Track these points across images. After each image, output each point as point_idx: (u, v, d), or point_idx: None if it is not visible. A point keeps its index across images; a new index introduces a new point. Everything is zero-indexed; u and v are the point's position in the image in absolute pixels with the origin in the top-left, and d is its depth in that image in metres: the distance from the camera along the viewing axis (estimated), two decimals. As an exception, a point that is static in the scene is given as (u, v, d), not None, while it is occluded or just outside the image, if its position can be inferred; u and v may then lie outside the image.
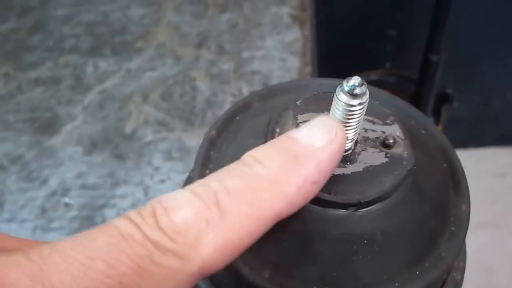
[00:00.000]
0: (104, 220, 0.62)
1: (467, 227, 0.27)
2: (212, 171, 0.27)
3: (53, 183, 0.64)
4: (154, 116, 0.68)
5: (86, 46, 0.75)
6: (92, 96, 0.70)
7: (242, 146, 0.27)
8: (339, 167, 0.25)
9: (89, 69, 0.73)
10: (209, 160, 0.27)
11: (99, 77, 0.72)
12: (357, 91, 0.23)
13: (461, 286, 0.29)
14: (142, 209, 0.21)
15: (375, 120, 0.27)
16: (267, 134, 0.26)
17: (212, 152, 0.27)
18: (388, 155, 0.26)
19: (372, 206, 0.25)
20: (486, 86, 1.40)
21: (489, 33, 1.27)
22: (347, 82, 0.23)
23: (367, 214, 0.24)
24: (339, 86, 0.23)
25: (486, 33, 1.27)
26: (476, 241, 1.44)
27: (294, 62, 0.71)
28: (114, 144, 0.66)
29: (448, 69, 1.15)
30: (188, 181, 0.30)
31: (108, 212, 0.62)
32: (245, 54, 0.72)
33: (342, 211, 0.24)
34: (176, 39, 0.74)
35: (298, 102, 0.27)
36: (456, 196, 0.28)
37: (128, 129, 0.67)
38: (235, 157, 0.26)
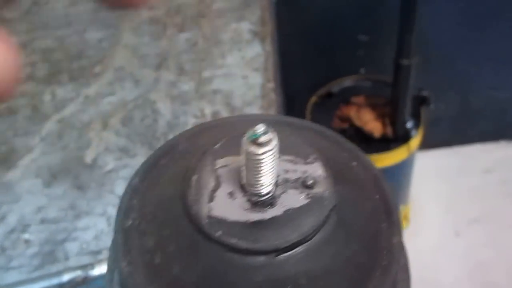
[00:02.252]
0: (66, 255, 0.61)
1: (399, 260, 0.27)
2: (134, 220, 0.27)
3: (11, 220, 0.64)
4: (115, 143, 0.68)
5: (42, 73, 0.75)
6: (50, 126, 0.70)
7: (162, 195, 0.27)
8: (258, 212, 0.25)
9: (46, 97, 0.73)
10: (131, 209, 0.27)
11: (57, 105, 0.71)
12: (262, 139, 0.23)
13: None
14: None
15: (296, 159, 0.27)
16: (184, 182, 0.26)
17: (134, 201, 0.28)
18: (309, 196, 0.26)
19: (293, 250, 0.25)
20: (463, 85, 1.42)
21: (461, 33, 1.29)
22: (251, 131, 0.23)
23: (288, 259, 0.25)
24: (244, 136, 0.23)
25: (459, 34, 1.29)
26: (468, 237, 1.46)
27: (256, 79, 0.71)
28: (75, 174, 0.66)
29: (423, 71, 1.16)
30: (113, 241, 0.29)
31: (70, 246, 0.62)
32: (206, 73, 0.72)
33: (262, 258, 0.24)
34: (135, 62, 0.74)
35: (216, 146, 0.27)
36: (388, 228, 0.28)
37: (88, 158, 0.67)
38: (156, 206, 0.27)
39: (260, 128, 0.23)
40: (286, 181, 0.26)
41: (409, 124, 1.20)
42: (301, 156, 0.27)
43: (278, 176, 0.26)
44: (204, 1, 0.80)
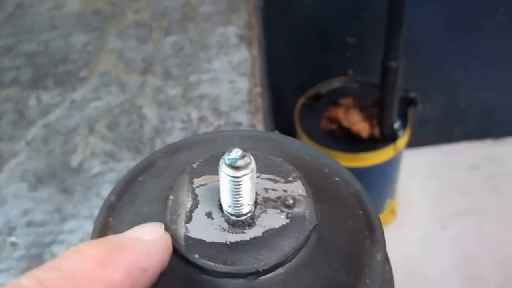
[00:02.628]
0: (53, 258, 0.60)
1: (382, 278, 0.26)
2: None
3: (-2, 223, 0.63)
4: (101, 148, 0.67)
5: (27, 78, 0.73)
6: (35, 131, 0.69)
7: (139, 213, 0.26)
8: (237, 233, 0.24)
9: (32, 102, 0.71)
10: (107, 228, 0.26)
11: (42, 110, 0.70)
12: (239, 163, 0.22)
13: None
14: None
15: (277, 178, 0.26)
16: (161, 202, 0.25)
17: (111, 219, 0.27)
18: (289, 215, 0.25)
19: (273, 272, 0.24)
20: (449, 86, 1.43)
21: (448, 35, 1.29)
22: (228, 155, 0.22)
23: (267, 281, 0.24)
24: (221, 158, 0.22)
25: (445, 36, 1.29)
26: (455, 230, 1.47)
27: (243, 84, 0.70)
28: (60, 178, 0.65)
29: (410, 73, 1.16)
30: None
31: (57, 249, 0.61)
32: (193, 78, 0.71)
33: (241, 281, 0.24)
34: (121, 66, 0.73)
35: (194, 165, 0.26)
36: (371, 245, 0.27)
37: (74, 162, 0.66)
38: (133, 224, 0.26)
39: (237, 152, 0.22)
40: (266, 200, 0.26)
41: (396, 125, 1.20)
42: (281, 175, 0.26)
43: (257, 195, 0.25)
44: (190, 4, 0.79)
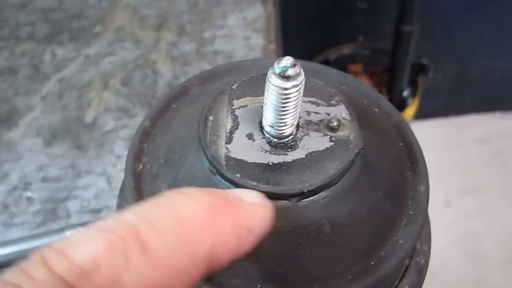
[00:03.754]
0: (67, 213, 0.59)
1: (426, 209, 0.25)
2: (145, 165, 0.25)
3: (14, 178, 0.62)
4: (115, 103, 0.65)
5: (42, 33, 0.71)
6: (50, 85, 0.67)
7: (176, 137, 0.25)
8: (279, 154, 0.23)
9: (47, 57, 0.69)
10: (142, 153, 0.25)
11: (57, 65, 0.68)
12: (290, 72, 0.20)
13: (426, 270, 0.27)
14: (31, 258, 0.16)
15: (319, 101, 0.25)
16: (200, 123, 0.23)
17: (145, 145, 0.25)
18: (333, 139, 0.23)
19: (317, 195, 0.22)
20: (462, 54, 1.38)
21: (463, 0, 1.25)
22: (278, 64, 0.20)
23: (311, 204, 0.22)
24: (270, 69, 0.21)
25: (459, 1, 1.25)
26: (460, 207, 1.44)
27: (257, 40, 0.68)
28: (75, 134, 0.63)
29: (423, 39, 1.13)
30: (121, 189, 0.27)
31: (72, 204, 0.60)
32: (207, 34, 0.69)
33: (283, 202, 0.22)
34: (135, 22, 0.71)
35: (234, 86, 0.24)
36: (414, 177, 0.26)
37: (88, 117, 0.64)
38: (170, 148, 0.24)
39: (289, 60, 0.20)
40: (308, 123, 0.24)
41: (405, 93, 1.17)
42: (324, 98, 0.25)
43: (300, 117, 0.24)
44: (205, -39, 0.76)
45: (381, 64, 1.19)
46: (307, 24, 1.25)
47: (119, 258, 0.16)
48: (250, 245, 0.20)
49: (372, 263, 0.23)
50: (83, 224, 0.55)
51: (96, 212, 0.59)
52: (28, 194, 0.60)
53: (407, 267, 0.26)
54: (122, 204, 0.26)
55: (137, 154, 0.25)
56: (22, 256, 0.57)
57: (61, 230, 0.55)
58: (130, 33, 0.70)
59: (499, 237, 1.40)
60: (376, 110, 0.28)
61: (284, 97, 0.21)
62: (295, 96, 0.21)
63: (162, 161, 0.24)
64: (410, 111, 1.19)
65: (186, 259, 0.18)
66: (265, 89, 0.21)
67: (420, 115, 1.33)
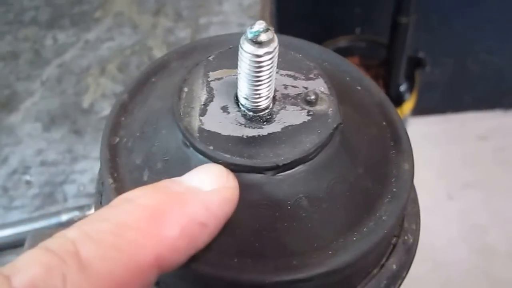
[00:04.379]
0: (64, 197, 0.59)
1: (410, 187, 0.24)
2: (121, 138, 0.24)
3: (13, 161, 0.61)
4: (111, 89, 0.65)
5: (45, 18, 0.70)
6: (50, 70, 0.66)
7: (152, 110, 0.24)
8: (254, 127, 0.22)
9: (48, 42, 0.69)
10: (119, 127, 0.24)
11: (58, 50, 0.68)
12: (262, 37, 0.19)
13: (415, 249, 0.26)
14: None
15: (297, 75, 0.23)
16: (174, 94, 0.22)
17: (123, 118, 0.24)
18: (311, 113, 0.22)
19: (293, 169, 0.21)
20: (460, 48, 1.35)
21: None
22: (251, 28, 0.19)
23: (287, 178, 0.21)
24: (243, 35, 0.20)
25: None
26: (463, 201, 1.41)
27: (253, 27, 0.67)
28: (72, 119, 0.63)
29: (419, 32, 1.11)
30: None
31: (69, 188, 0.59)
32: (203, 20, 0.68)
33: (258, 176, 0.21)
34: (134, 7, 0.70)
35: (210, 58, 0.23)
36: (397, 155, 0.25)
37: (85, 103, 0.64)
38: (146, 121, 0.23)
39: (261, 24, 0.19)
40: (285, 97, 0.23)
41: (402, 87, 1.15)
42: (302, 71, 0.24)
43: (276, 91, 0.23)
44: None
45: (378, 57, 1.17)
46: (304, 16, 1.23)
47: (57, 280, 0.16)
48: (208, 237, 0.20)
49: (354, 239, 0.22)
50: (79, 208, 0.55)
51: (92, 195, 0.58)
52: (27, 177, 0.60)
53: (394, 246, 0.25)
54: (101, 180, 0.25)
55: (113, 127, 0.24)
56: (21, 238, 0.56)
57: (58, 213, 0.55)
58: (129, 18, 0.69)
59: (505, 230, 1.36)
60: (359, 87, 0.27)
61: (257, 65, 0.20)
62: (268, 64, 0.20)
63: (138, 134, 0.23)
64: (407, 106, 1.17)
65: (129, 271, 0.17)
66: (238, 58, 0.20)
67: (418, 111, 1.31)
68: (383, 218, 0.22)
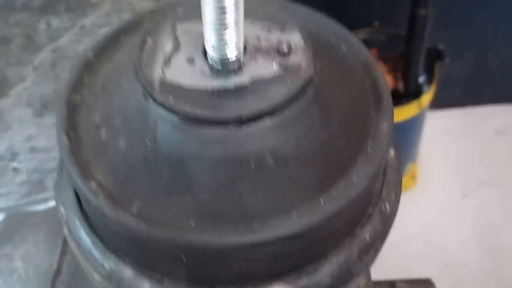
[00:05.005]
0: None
1: (386, 148, 0.23)
2: (83, 96, 0.23)
3: (1, 148, 0.61)
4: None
5: (38, 3, 0.70)
6: (43, 56, 0.66)
7: (115, 66, 0.23)
8: (220, 79, 0.21)
9: (41, 27, 0.69)
10: (82, 85, 0.23)
11: (52, 35, 0.68)
12: None
13: (392, 220, 0.25)
14: None
15: (272, 26, 0.23)
16: (137, 46, 0.21)
17: (86, 76, 0.24)
18: (283, 65, 0.22)
19: (259, 123, 0.21)
20: (480, 42, 1.34)
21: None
22: None
23: (252, 132, 0.20)
24: None
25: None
26: (477, 199, 1.40)
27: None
28: (66, 104, 0.63)
29: (439, 24, 1.09)
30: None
31: (59, 175, 0.59)
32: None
33: (221, 129, 0.20)
34: (133, -8, 0.70)
35: (179, 9, 0.22)
36: (377, 114, 0.24)
37: (80, 88, 0.63)
38: (108, 78, 0.23)
39: None
40: (257, 49, 0.22)
41: (421, 79, 1.14)
42: (277, 24, 0.23)
43: (247, 43, 0.22)
44: None
45: (397, 50, 1.16)
46: (322, 9, 1.22)
47: None
48: None
49: (322, 202, 0.21)
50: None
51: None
52: (15, 164, 0.60)
53: (370, 216, 0.24)
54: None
55: (75, 85, 0.23)
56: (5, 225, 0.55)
57: (45, 200, 0.55)
58: (128, 3, 0.69)
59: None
60: (343, 47, 0.26)
61: (221, 9, 0.19)
62: (232, 8, 0.19)
63: (99, 91, 0.23)
64: (426, 98, 1.16)
65: None
66: (201, 4, 0.20)
67: (438, 104, 1.30)
68: (354, 179, 0.21)
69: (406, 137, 1.25)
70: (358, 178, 0.21)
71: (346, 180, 0.21)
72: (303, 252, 0.21)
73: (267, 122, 0.21)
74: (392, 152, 0.27)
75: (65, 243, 0.38)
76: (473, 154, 1.47)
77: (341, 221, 0.21)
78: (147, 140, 0.21)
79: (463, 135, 1.51)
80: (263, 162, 0.20)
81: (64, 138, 0.22)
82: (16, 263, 0.37)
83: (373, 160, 0.22)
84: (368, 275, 0.37)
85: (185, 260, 0.21)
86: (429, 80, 1.16)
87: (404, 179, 1.19)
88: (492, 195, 1.41)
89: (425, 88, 1.15)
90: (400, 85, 1.15)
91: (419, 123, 1.24)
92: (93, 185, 0.21)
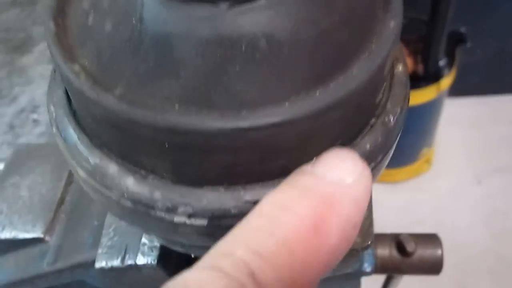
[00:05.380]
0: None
1: (391, 46, 0.20)
2: (66, 28, 0.21)
3: (22, 100, 0.60)
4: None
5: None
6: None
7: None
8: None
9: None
10: (64, 15, 0.21)
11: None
12: None
13: (394, 137, 0.23)
14: None
15: None
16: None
17: (65, 6, 0.22)
18: None
19: (253, 3, 0.18)
20: (502, 29, 1.29)
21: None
22: None
23: (245, 12, 0.18)
24: None
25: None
26: (490, 186, 1.38)
27: None
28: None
29: (462, 8, 1.05)
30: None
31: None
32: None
33: (210, 7, 0.18)
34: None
35: None
36: (385, 14, 0.21)
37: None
38: (93, 5, 0.21)
39: None
40: None
41: (441, 63, 1.10)
42: None
43: None
44: None
45: (418, 33, 1.12)
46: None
47: None
48: (353, 240, 0.18)
49: (317, 93, 0.19)
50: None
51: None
52: (35, 116, 0.59)
53: (372, 126, 0.22)
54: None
55: (58, 14, 0.21)
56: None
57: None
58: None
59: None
60: None
61: None
62: None
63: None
64: (445, 81, 1.12)
65: None
66: None
67: (457, 91, 1.26)
68: (354, 73, 0.19)
69: (423, 120, 1.21)
70: (358, 71, 0.19)
71: (345, 74, 0.19)
72: (294, 150, 0.19)
73: (262, 2, 0.18)
74: (400, 67, 0.24)
75: (70, 174, 0.37)
76: (489, 142, 1.44)
77: (336, 118, 0.19)
78: (133, 19, 0.19)
79: (480, 123, 1.47)
80: (255, 44, 0.18)
81: (51, 25, 0.20)
82: (22, 192, 0.35)
83: (376, 57, 0.20)
84: (371, 223, 0.34)
85: (168, 149, 0.19)
86: (449, 64, 1.12)
87: (419, 163, 1.16)
88: (505, 182, 1.38)
89: (445, 72, 1.11)
90: (420, 68, 1.12)
91: (437, 107, 1.20)
92: (76, 67, 0.19)
